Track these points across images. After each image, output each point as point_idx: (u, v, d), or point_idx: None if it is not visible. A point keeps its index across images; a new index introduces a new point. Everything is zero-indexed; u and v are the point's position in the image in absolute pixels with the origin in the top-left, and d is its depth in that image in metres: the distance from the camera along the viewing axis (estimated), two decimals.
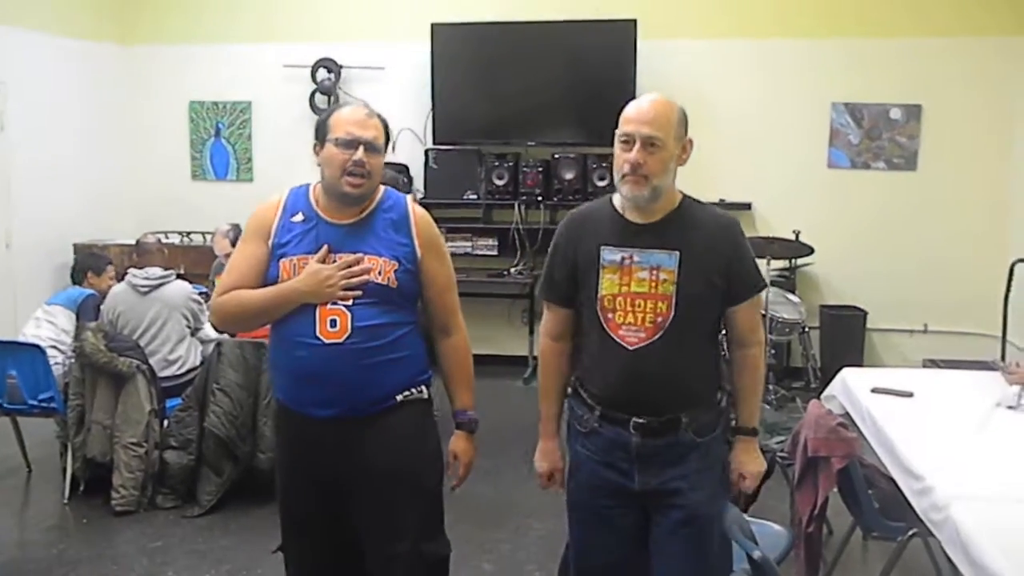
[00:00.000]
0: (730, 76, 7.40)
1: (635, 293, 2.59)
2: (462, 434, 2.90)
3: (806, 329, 7.05)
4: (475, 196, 7.58)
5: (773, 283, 6.85)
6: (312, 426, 2.70)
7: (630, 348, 2.58)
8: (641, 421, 2.59)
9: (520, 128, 7.48)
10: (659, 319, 2.56)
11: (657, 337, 2.57)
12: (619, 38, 7.20)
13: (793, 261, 7.12)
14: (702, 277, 2.57)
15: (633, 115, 2.56)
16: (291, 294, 2.63)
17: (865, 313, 7.23)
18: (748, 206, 7.36)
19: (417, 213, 2.80)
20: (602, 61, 7.27)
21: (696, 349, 2.62)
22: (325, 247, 2.65)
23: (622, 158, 2.56)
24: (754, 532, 3.00)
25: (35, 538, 4.75)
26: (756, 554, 2.36)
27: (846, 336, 7.21)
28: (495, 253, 7.58)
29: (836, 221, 7.33)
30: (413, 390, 2.76)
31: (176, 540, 4.59)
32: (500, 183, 7.51)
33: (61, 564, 4.37)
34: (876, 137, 7.28)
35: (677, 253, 2.57)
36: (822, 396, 4.46)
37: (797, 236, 6.98)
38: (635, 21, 7.15)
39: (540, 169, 7.39)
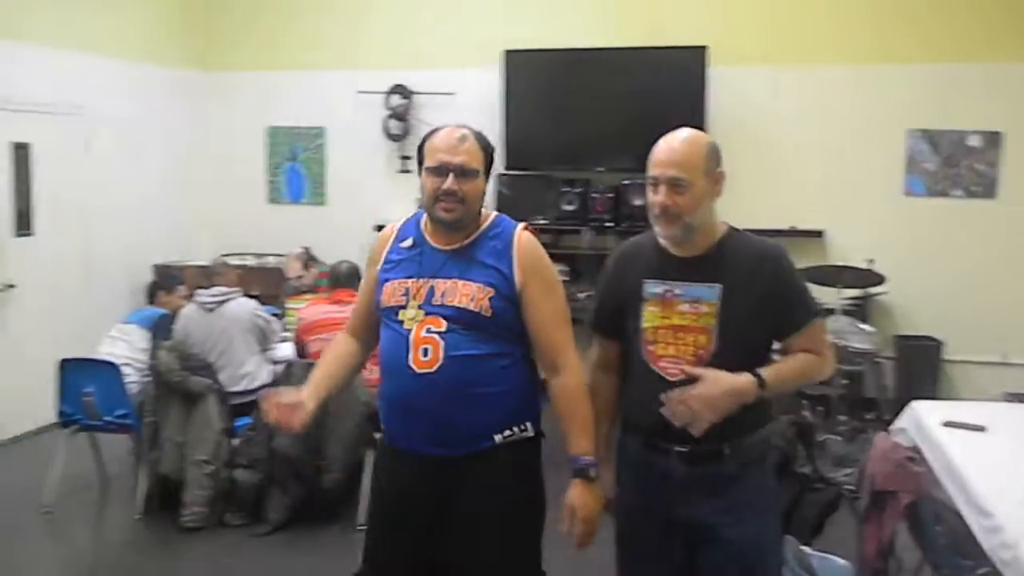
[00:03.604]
0: (802, 103, 7.32)
1: (677, 325, 2.59)
2: (579, 482, 2.62)
3: (879, 359, 6.91)
4: (545, 221, 7.60)
5: (845, 312, 6.73)
6: (407, 461, 2.66)
7: (671, 379, 2.58)
8: (683, 450, 2.58)
9: (590, 154, 7.49)
10: (700, 351, 2.57)
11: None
12: (690, 65, 7.18)
13: (866, 289, 6.99)
14: (744, 309, 2.56)
15: (658, 158, 2.58)
16: None
17: (940, 343, 7.07)
18: (820, 234, 7.26)
19: (522, 240, 2.69)
20: (673, 88, 7.25)
21: None
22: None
23: (651, 200, 2.59)
24: (817, 566, 2.96)
25: (108, 552, 4.90)
26: None
27: (921, 367, 7.05)
28: (565, 278, 7.58)
29: (912, 249, 7.18)
30: (515, 428, 2.65)
31: (244, 558, 4.67)
32: (570, 208, 7.52)
33: None
34: (954, 164, 7.13)
35: (718, 286, 2.57)
36: (891, 428, 4.38)
37: (871, 264, 6.87)
38: (706, 48, 7.13)
39: (610, 195, 7.39)
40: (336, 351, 2.87)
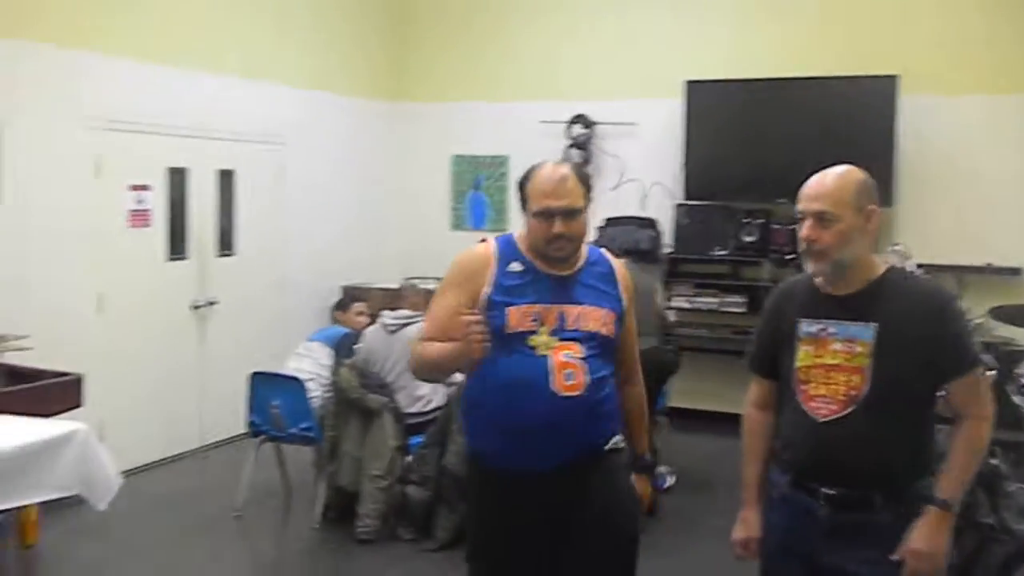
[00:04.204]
0: (1002, 132, 6.96)
1: (829, 365, 2.53)
2: (644, 477, 2.98)
3: None
4: (724, 252, 7.53)
5: None
6: (524, 480, 2.69)
7: (820, 419, 2.52)
8: (831, 492, 2.50)
9: (773, 185, 7.31)
10: (852, 392, 2.49)
11: (849, 410, 2.49)
12: (879, 94, 6.98)
13: None
14: (901, 351, 2.47)
15: (805, 192, 2.55)
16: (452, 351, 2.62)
17: None
18: (1018, 271, 6.87)
19: (619, 266, 2.87)
20: (861, 118, 7.05)
21: (894, 425, 2.48)
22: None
23: (799, 234, 2.55)
24: None
25: (286, 559, 5.22)
26: None
27: None
28: (743, 310, 7.47)
29: None
30: (617, 438, 2.81)
31: (411, 570, 4.84)
32: (750, 240, 7.43)
33: None
34: None
35: (874, 325, 2.49)
36: None
37: None
38: (897, 77, 6.90)
39: (791, 227, 7.23)
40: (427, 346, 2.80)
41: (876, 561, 2.46)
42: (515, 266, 2.74)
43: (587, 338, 2.67)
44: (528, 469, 2.68)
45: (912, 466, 2.52)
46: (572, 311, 2.69)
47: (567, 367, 2.63)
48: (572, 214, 2.69)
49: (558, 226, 2.66)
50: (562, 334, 2.66)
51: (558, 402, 2.62)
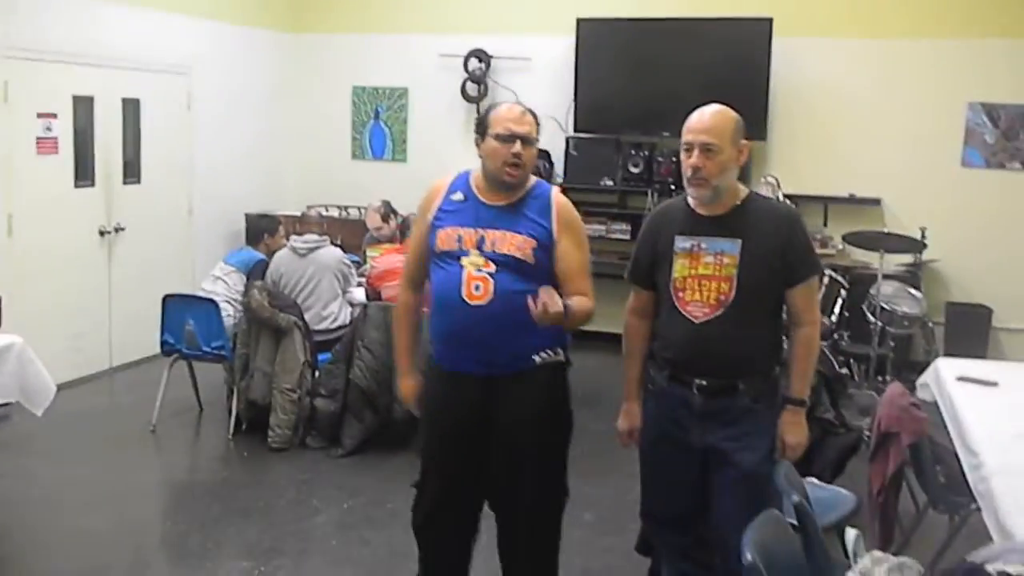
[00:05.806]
0: (865, 74, 7.55)
1: (702, 275, 3.01)
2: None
3: (930, 324, 7.16)
4: (611, 183, 7.99)
5: (897, 277, 7.00)
6: (458, 381, 3.10)
7: (696, 321, 3.00)
8: (703, 383, 3.00)
9: (657, 119, 7.79)
10: (722, 297, 2.98)
11: (719, 312, 2.98)
12: (755, 35, 7.47)
13: (918, 257, 7.22)
14: (760, 261, 2.96)
15: (692, 125, 2.98)
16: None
17: (991, 311, 7.30)
18: (877, 201, 7.52)
19: (559, 201, 3.14)
20: (738, 57, 7.55)
21: (755, 324, 3.00)
22: None
23: (685, 163, 2.98)
24: (819, 494, 3.36)
25: (203, 466, 5.56)
26: (795, 499, 2.72)
27: (971, 332, 7.28)
28: (628, 238, 7.96)
29: (967, 219, 7.39)
30: (549, 351, 3.11)
31: (321, 475, 5.24)
32: (635, 171, 7.91)
33: (224, 488, 5.09)
34: (1013, 138, 7.31)
35: (739, 241, 2.98)
36: (917, 383, 4.72)
37: (923, 233, 7.08)
38: (771, 20, 7.40)
39: (674, 159, 7.72)
40: (407, 319, 3.39)
41: (738, 438, 3.00)
42: (458, 195, 3.15)
43: (502, 259, 3.01)
44: (461, 371, 3.10)
45: (768, 358, 3.06)
46: (492, 235, 3.05)
47: (476, 280, 3.01)
48: (529, 141, 3.06)
49: (517, 147, 3.02)
50: (481, 254, 3.04)
51: (468, 310, 3.01)
